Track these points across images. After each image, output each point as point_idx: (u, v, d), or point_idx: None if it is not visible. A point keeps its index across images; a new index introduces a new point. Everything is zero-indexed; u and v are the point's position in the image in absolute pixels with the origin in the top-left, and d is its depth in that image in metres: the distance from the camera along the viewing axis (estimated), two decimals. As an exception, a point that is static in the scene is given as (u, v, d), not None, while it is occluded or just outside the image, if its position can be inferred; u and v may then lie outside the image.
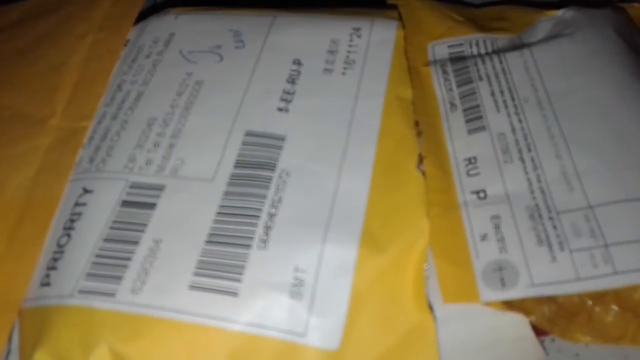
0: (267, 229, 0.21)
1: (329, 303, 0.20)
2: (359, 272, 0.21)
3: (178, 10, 0.29)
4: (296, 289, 0.20)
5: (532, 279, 0.21)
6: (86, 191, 0.23)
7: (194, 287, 0.20)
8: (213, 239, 0.21)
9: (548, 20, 0.27)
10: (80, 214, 0.22)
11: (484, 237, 0.22)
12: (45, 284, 0.21)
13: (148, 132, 0.24)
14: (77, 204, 0.23)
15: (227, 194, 0.22)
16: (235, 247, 0.21)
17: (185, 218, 0.22)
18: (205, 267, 0.20)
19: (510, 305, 0.22)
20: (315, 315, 0.20)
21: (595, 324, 0.21)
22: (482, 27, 0.29)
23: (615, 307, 0.21)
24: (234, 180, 0.22)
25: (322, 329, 0.20)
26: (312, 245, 0.21)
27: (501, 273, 0.21)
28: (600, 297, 0.21)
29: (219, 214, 0.22)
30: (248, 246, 0.21)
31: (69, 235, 0.22)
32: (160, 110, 0.25)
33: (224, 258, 0.21)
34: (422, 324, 0.20)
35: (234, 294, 0.20)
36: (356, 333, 0.20)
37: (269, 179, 0.22)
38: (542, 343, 0.22)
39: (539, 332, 0.22)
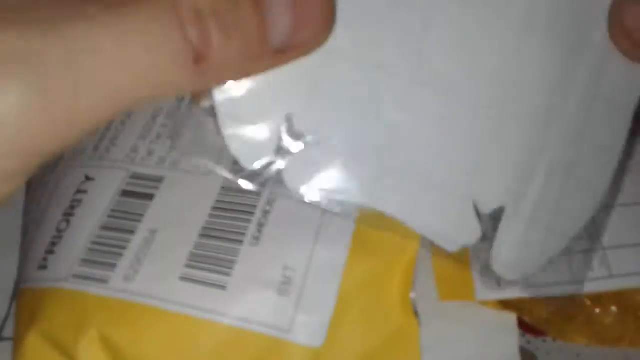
0: (260, 225, 0.21)
1: (316, 301, 0.20)
2: (347, 273, 0.21)
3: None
4: (284, 286, 0.20)
5: (527, 279, 0.21)
6: (88, 178, 0.24)
7: (184, 278, 0.21)
8: (206, 233, 0.21)
9: None
10: (80, 201, 0.23)
11: (484, 236, 0.22)
12: (42, 267, 0.22)
13: (151, 123, 0.25)
14: (78, 191, 0.23)
15: (223, 189, 0.23)
16: (228, 241, 0.21)
17: (181, 210, 0.22)
18: (196, 260, 0.21)
19: (506, 305, 0.22)
20: (301, 312, 0.20)
21: (593, 325, 0.21)
22: None
23: (614, 309, 0.21)
24: (231, 176, 0.23)
25: (307, 326, 0.20)
26: (303, 244, 0.21)
27: None
28: (599, 298, 0.21)
29: (214, 208, 0.22)
30: (240, 242, 0.21)
31: (67, 221, 0.23)
32: (165, 103, 0.25)
33: (215, 252, 0.21)
34: (406, 327, 0.20)
35: (222, 287, 0.20)
36: (341, 332, 0.20)
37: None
38: (543, 342, 0.22)
39: (536, 332, 0.22)
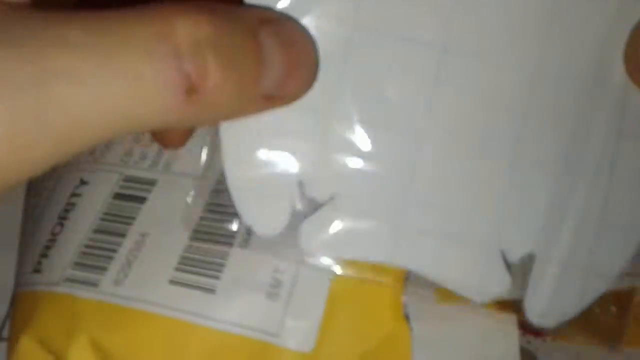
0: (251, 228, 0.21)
1: (305, 305, 0.20)
2: (338, 277, 0.20)
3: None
4: (273, 290, 0.20)
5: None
6: (83, 182, 0.24)
7: (173, 282, 0.20)
8: (197, 235, 0.21)
9: None
10: (74, 204, 0.23)
11: None
12: (37, 270, 0.22)
13: (146, 126, 0.25)
14: (73, 194, 0.23)
15: (215, 191, 0.22)
16: (217, 244, 0.21)
17: (172, 213, 0.22)
18: (186, 263, 0.21)
19: (503, 305, 0.21)
20: (291, 317, 0.20)
21: (593, 325, 0.21)
22: None
23: (614, 309, 0.21)
24: (223, 178, 0.23)
25: (297, 330, 0.20)
26: (293, 247, 0.21)
27: None
28: (599, 298, 0.21)
29: (205, 210, 0.22)
30: (230, 244, 0.21)
31: (62, 225, 0.23)
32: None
33: (205, 254, 0.21)
34: (396, 333, 0.20)
35: (211, 290, 0.20)
36: (330, 337, 0.20)
37: (258, 178, 0.22)
38: (543, 342, 0.22)
39: (536, 332, 0.22)
